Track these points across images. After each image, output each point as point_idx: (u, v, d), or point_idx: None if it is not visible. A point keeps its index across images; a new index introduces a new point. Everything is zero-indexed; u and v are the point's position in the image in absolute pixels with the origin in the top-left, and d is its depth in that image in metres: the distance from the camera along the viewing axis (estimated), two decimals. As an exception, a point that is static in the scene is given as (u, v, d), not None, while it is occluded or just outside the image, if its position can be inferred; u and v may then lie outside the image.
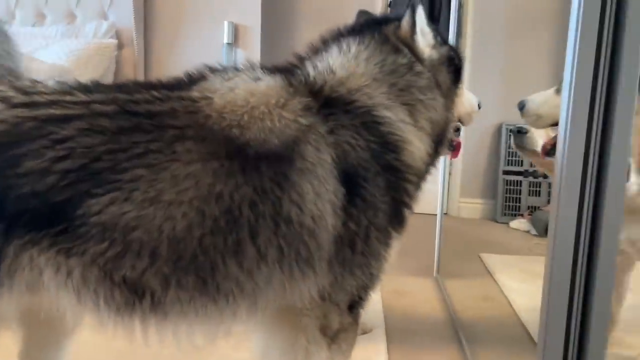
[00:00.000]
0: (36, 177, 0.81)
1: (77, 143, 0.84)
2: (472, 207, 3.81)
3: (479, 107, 1.32)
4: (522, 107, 1.63)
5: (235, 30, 3.60)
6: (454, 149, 1.34)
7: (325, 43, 1.14)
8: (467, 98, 1.29)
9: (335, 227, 0.94)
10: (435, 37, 1.15)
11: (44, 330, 1.16)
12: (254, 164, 0.89)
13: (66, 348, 1.21)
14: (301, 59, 1.12)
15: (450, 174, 3.66)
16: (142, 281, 0.87)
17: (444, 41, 1.19)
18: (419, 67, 1.12)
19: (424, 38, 1.13)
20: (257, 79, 1.01)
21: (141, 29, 3.57)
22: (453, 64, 1.18)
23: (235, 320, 0.96)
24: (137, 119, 0.88)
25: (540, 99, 1.60)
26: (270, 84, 1.00)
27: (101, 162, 0.84)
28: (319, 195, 0.92)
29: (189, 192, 0.86)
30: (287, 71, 1.07)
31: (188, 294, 0.89)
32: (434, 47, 1.15)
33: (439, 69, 1.15)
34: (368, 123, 1.01)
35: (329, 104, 1.01)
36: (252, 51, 3.59)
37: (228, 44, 3.58)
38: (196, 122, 0.90)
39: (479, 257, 2.78)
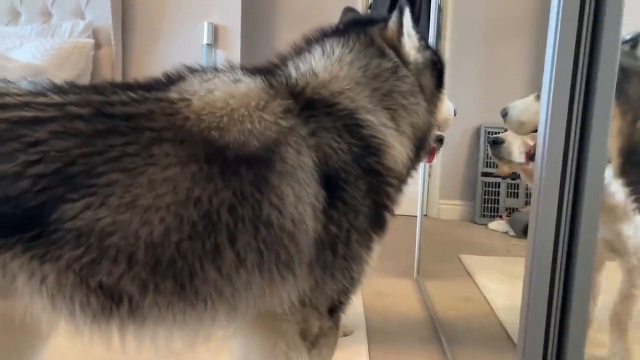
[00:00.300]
0: (8, 181, 0.79)
1: (50, 146, 0.81)
2: (451, 208, 3.84)
3: (455, 114, 1.33)
4: (504, 114, 1.63)
5: (215, 31, 3.58)
6: (429, 153, 1.35)
7: (308, 43, 1.12)
8: (445, 104, 1.29)
9: (315, 231, 0.93)
10: (420, 40, 1.15)
11: (18, 336, 1.13)
12: (234, 167, 0.88)
13: (41, 353, 1.19)
14: (283, 60, 1.10)
15: (429, 175, 3.69)
16: (119, 287, 0.85)
17: (428, 45, 1.19)
18: (403, 71, 1.12)
19: (410, 40, 1.13)
20: (237, 80, 0.99)
21: (119, 28, 3.53)
22: (436, 68, 1.18)
23: (215, 325, 0.94)
24: (113, 121, 0.86)
25: (522, 106, 1.61)
26: (250, 85, 0.99)
27: (76, 166, 0.81)
28: (299, 198, 0.91)
29: (166, 197, 0.84)
30: (267, 72, 1.05)
31: (166, 299, 0.87)
32: (419, 50, 1.15)
33: (423, 72, 1.15)
34: (350, 126, 1.01)
35: (311, 106, 1.00)
36: (232, 52, 3.57)
37: (208, 44, 3.55)
38: (174, 124, 0.88)
39: (459, 258, 2.80)
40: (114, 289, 0.85)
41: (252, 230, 0.88)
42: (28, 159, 0.80)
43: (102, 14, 3.45)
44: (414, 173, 1.18)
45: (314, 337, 1.01)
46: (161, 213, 0.84)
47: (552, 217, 0.96)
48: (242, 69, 1.03)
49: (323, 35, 1.14)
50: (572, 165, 0.94)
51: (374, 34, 1.13)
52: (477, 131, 3.76)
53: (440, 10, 2.74)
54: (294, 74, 1.05)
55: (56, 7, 3.56)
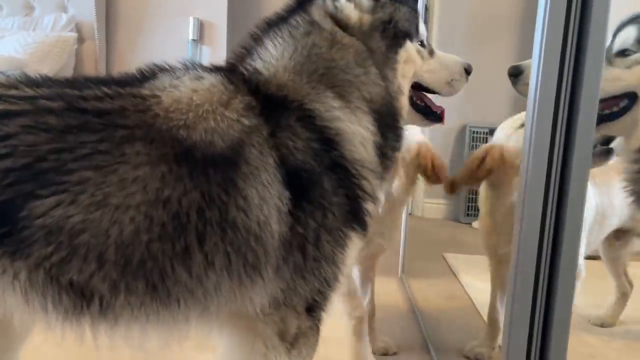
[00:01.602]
0: None
1: (20, 141, 0.80)
2: (436, 207, 3.85)
3: (469, 72, 1.21)
4: (518, 73, 1.36)
5: (201, 27, 3.55)
6: (439, 118, 1.21)
7: (254, 39, 1.09)
8: (441, 64, 1.19)
9: (281, 233, 0.92)
10: None
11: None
12: (201, 168, 0.87)
13: (17, 354, 1.16)
14: (237, 60, 1.08)
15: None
16: (90, 285, 0.84)
17: (395, 0, 1.10)
18: (343, 40, 1.05)
19: (351, 2, 1.06)
20: (199, 77, 0.98)
21: (103, 22, 3.48)
22: (390, 28, 1.08)
23: (189, 324, 0.93)
24: (85, 117, 0.84)
25: None
26: (212, 81, 0.98)
27: (46, 162, 0.80)
28: (264, 200, 0.90)
29: (136, 196, 0.83)
30: (227, 70, 1.04)
31: (138, 299, 0.86)
32: (368, 10, 1.07)
33: (372, 34, 1.07)
34: (302, 119, 0.97)
35: (268, 104, 0.98)
36: (218, 48, 3.54)
37: (193, 40, 3.52)
38: (145, 122, 0.87)
39: (443, 257, 2.80)
40: (85, 287, 0.84)
41: (219, 233, 0.87)
42: None
43: (85, 8, 3.41)
44: (394, 147, 1.10)
45: (293, 338, 0.99)
46: (131, 212, 0.82)
47: (536, 216, 0.95)
48: (202, 66, 1.02)
49: (263, 29, 1.09)
50: (557, 164, 0.94)
51: (311, 8, 1.07)
52: (462, 130, 3.77)
53: (426, 9, 2.74)
54: (245, 72, 1.03)
55: (38, 0, 3.50)
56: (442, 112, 1.22)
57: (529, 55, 0.97)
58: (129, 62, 3.52)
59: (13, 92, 0.84)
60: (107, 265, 0.83)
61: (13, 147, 0.79)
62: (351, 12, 1.06)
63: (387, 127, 1.07)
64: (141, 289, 0.85)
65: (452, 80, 1.20)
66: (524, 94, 1.35)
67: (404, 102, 1.12)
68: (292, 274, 0.94)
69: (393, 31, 1.09)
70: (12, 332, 1.10)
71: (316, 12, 1.07)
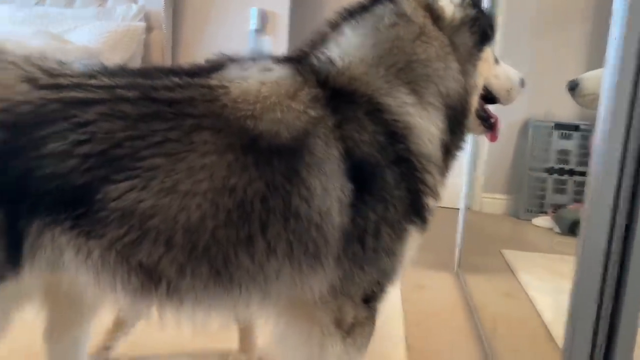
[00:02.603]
0: (58, 159, 0.82)
1: (98, 128, 0.84)
2: (495, 202, 3.76)
3: (522, 85, 1.23)
4: (574, 86, 1.46)
5: (263, 17, 3.59)
6: (491, 127, 1.22)
7: (332, 27, 1.09)
8: (504, 72, 1.21)
9: (342, 224, 0.92)
10: None
11: (66, 310, 1.18)
12: (266, 158, 0.89)
13: (89, 328, 1.24)
14: (310, 47, 1.08)
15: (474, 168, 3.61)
16: (158, 268, 0.88)
17: (475, 4, 1.12)
18: (431, 33, 1.05)
19: None
20: (268, 68, 0.99)
21: (170, 12, 3.58)
22: (477, 25, 1.10)
23: (249, 309, 0.96)
24: (157, 106, 0.88)
25: (598, 76, 1.33)
26: (280, 73, 0.99)
27: (121, 149, 0.84)
28: (326, 191, 0.91)
29: (203, 184, 0.86)
30: (296, 60, 1.04)
31: (202, 283, 0.90)
32: (460, 5, 1.09)
33: (460, 29, 1.08)
34: (371, 112, 0.97)
35: (336, 95, 0.98)
36: (280, 38, 3.57)
37: (256, 30, 3.56)
38: (213, 112, 0.90)
39: (500, 253, 2.74)
40: (153, 270, 0.88)
41: (282, 221, 0.89)
42: (77, 139, 0.83)
43: (154, -2, 3.51)
44: (458, 146, 1.11)
45: (349, 326, 1.00)
46: (198, 199, 0.85)
47: (605, 216, 0.91)
48: (272, 58, 1.04)
49: (344, 17, 1.09)
50: (631, 160, 0.89)
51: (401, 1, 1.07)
52: (525, 124, 3.66)
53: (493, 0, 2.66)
54: (316, 62, 1.03)
55: (111, -10, 3.64)
56: (497, 121, 1.23)
57: (599, 47, 0.92)
58: (194, 52, 3.61)
59: (92, 81, 0.89)
60: (174, 249, 0.86)
61: (92, 133, 0.84)
62: (447, 4, 1.07)
63: (457, 123, 1.08)
64: (205, 274, 0.89)
65: (511, 88, 1.22)
66: (583, 105, 1.50)
67: (476, 99, 1.14)
68: (351, 265, 0.95)
69: (480, 29, 1.11)
70: (84, 306, 1.17)
71: (406, 3, 1.07)
